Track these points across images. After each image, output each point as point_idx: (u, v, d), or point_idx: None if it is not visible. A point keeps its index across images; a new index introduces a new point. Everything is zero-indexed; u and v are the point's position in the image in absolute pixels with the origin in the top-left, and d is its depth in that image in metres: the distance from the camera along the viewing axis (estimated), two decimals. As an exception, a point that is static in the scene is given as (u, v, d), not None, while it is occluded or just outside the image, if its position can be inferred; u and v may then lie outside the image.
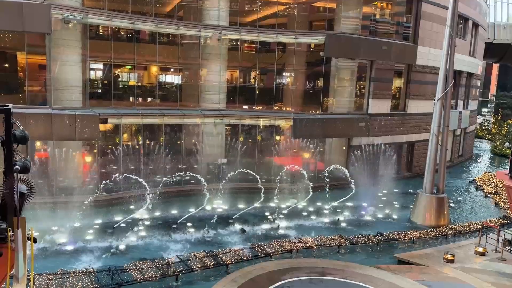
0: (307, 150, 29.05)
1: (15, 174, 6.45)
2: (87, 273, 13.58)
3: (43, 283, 12.69)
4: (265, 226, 19.46)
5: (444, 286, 14.31)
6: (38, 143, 21.96)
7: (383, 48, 27.23)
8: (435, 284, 14.31)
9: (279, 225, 19.55)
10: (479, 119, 62.71)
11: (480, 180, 31.04)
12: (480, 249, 17.07)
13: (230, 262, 15.05)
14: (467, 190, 29.22)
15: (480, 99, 64.54)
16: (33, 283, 11.95)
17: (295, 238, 17.86)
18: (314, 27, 29.53)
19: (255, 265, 15.03)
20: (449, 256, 16.15)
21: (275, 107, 27.21)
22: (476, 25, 37.25)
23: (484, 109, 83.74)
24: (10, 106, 6.73)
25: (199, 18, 24.76)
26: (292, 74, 28.84)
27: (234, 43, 26.50)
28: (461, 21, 33.73)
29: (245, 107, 26.96)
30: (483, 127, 62.91)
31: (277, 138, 27.91)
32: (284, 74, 29.80)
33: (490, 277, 14.96)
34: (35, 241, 7.28)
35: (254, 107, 26.80)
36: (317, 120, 26.16)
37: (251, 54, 27.83)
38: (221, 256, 15.44)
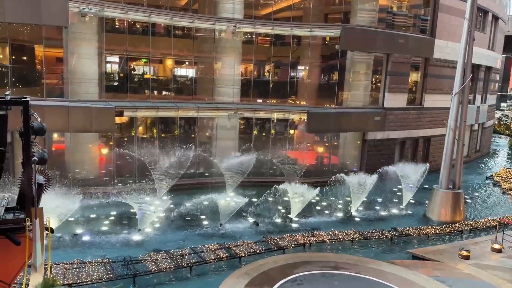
0: (321, 144, 28.95)
1: (33, 165, 6.56)
2: (103, 263, 13.81)
3: (60, 272, 12.94)
4: (278, 220, 19.52)
5: (458, 282, 14.16)
6: (55, 135, 22.32)
7: (399, 41, 26.85)
8: (450, 280, 14.17)
9: (291, 219, 19.59)
10: (498, 114, 61.49)
11: (498, 176, 30.51)
12: (496, 246, 16.82)
13: (243, 255, 15.13)
14: (484, 186, 28.76)
15: (499, 93, 63.19)
16: (50, 272, 12.19)
17: (308, 232, 17.85)
18: (329, 20, 29.25)
19: (268, 258, 15.09)
20: (464, 253, 15.96)
21: (289, 101, 27.11)
22: (495, 18, 36.44)
23: (503, 104, 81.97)
24: (28, 98, 6.83)
25: (214, 11, 24.74)
26: (307, 68, 28.66)
27: (249, 36, 26.42)
28: (480, 14, 33.04)
29: (259, 100, 26.93)
30: (502, 122, 61.74)
31: (291, 132, 27.82)
32: (299, 67, 29.62)
33: (506, 274, 14.74)
34: (52, 231, 7.42)
35: (268, 101, 26.75)
36: (332, 114, 25.98)
37: (266, 47, 27.73)
38: (234, 248, 15.53)
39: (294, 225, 19.12)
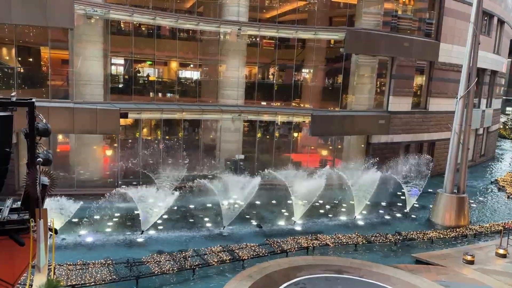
0: (325, 147, 28.91)
1: (37, 166, 6.58)
2: (106, 264, 13.82)
3: (63, 273, 12.96)
4: (281, 223, 19.49)
5: (462, 287, 14.07)
6: (60, 136, 22.44)
7: (404, 44, 26.80)
8: (454, 285, 14.09)
9: (295, 221, 19.56)
10: (503, 118, 61.18)
11: (503, 181, 30.34)
12: (501, 251, 16.70)
13: (246, 258, 15.11)
14: (488, 190, 28.60)
15: (504, 97, 62.84)
16: (54, 273, 12.23)
17: (311, 235, 17.80)
18: (334, 23, 29.27)
19: (271, 261, 15.05)
20: (468, 257, 15.86)
21: (293, 104, 27.11)
22: (501, 22, 36.32)
23: (508, 108, 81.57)
24: (33, 100, 6.86)
25: (219, 14, 24.82)
26: (311, 71, 28.67)
27: (253, 39, 26.47)
28: (485, 18, 32.93)
29: (263, 103, 26.94)
30: (507, 127, 61.44)
31: (295, 134, 27.80)
32: (303, 70, 29.64)
33: (510, 280, 14.63)
34: (56, 232, 7.44)
35: (272, 104, 26.75)
36: (336, 117, 25.95)
37: (270, 50, 27.77)
38: (237, 251, 15.51)
39: (297, 228, 19.08)
